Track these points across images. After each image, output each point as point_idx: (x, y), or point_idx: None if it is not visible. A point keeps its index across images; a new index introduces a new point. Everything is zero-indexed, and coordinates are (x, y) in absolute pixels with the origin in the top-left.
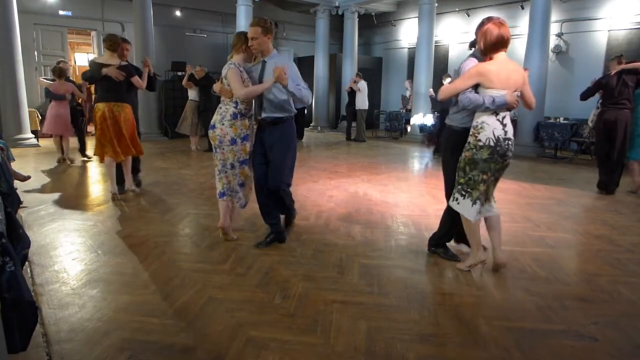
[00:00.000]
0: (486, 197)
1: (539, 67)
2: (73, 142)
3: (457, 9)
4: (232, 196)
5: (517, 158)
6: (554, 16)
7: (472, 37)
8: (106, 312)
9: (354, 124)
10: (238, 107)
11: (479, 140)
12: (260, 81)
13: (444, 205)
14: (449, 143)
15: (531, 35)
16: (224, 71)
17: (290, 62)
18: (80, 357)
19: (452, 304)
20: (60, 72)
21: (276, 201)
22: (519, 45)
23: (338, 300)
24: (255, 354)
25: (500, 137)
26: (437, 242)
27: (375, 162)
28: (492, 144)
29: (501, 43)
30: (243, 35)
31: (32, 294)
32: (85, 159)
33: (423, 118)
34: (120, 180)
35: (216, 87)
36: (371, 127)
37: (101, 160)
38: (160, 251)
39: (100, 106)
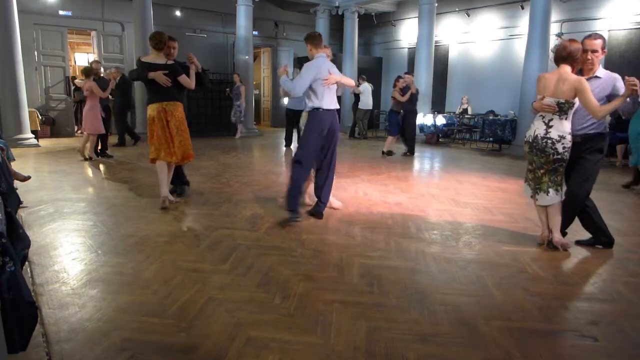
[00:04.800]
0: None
1: (539, 67)
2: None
3: (457, 9)
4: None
5: (518, 158)
6: (554, 16)
7: (472, 37)
8: (106, 312)
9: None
10: None
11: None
12: None
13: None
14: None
15: (531, 35)
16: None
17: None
18: (80, 357)
19: (452, 304)
20: (86, 72)
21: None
22: (519, 45)
23: (338, 300)
24: (255, 354)
25: (539, 135)
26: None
27: (375, 162)
28: (530, 140)
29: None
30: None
31: (32, 294)
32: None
33: (423, 118)
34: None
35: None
36: (371, 127)
37: (152, 162)
38: (160, 251)
39: (152, 107)
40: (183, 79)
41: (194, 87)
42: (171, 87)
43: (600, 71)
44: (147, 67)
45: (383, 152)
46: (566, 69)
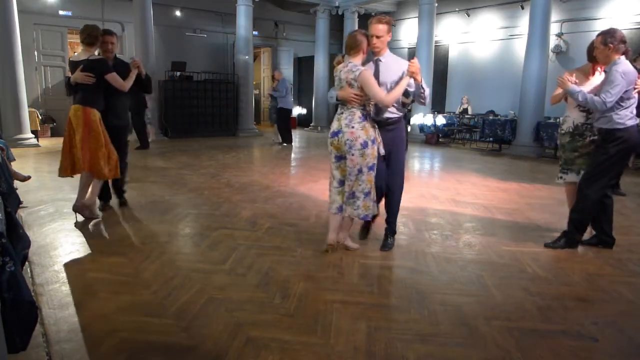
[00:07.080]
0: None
1: (539, 67)
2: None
3: (457, 9)
4: (347, 207)
5: (517, 158)
6: (554, 16)
7: (472, 37)
8: (106, 312)
9: None
10: (366, 109)
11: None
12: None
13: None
14: None
15: (531, 35)
16: (348, 75)
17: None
18: (80, 357)
19: (452, 304)
20: None
21: (388, 202)
22: (519, 45)
23: (338, 300)
24: (255, 354)
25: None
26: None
27: None
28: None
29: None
30: (364, 35)
31: (32, 294)
32: None
33: (423, 118)
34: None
35: (341, 93)
36: None
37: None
38: (160, 251)
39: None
40: (112, 77)
41: (127, 89)
42: (88, 88)
43: (609, 66)
44: (70, 66)
45: None
46: (588, 63)
